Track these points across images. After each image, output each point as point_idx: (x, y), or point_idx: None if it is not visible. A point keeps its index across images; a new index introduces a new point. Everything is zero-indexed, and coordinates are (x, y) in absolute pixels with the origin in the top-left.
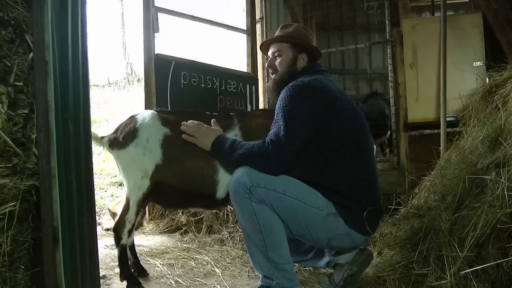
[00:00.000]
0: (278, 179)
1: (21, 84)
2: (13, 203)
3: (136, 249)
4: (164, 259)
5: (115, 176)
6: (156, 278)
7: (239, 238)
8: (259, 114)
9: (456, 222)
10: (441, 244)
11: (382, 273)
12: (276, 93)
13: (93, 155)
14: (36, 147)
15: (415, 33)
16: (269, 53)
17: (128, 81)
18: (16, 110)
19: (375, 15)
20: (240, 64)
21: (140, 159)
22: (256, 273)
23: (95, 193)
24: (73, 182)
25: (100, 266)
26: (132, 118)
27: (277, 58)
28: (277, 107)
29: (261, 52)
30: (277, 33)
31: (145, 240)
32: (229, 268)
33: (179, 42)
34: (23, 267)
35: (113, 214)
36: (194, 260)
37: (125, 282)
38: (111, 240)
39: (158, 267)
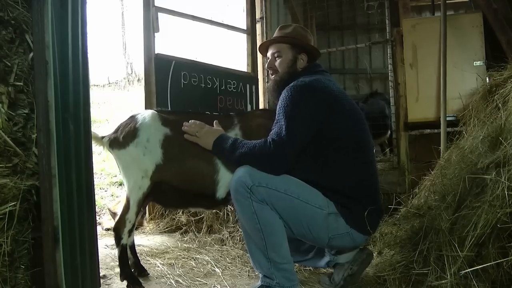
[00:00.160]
0: (279, 178)
1: (21, 84)
2: (13, 203)
3: (136, 249)
4: (164, 259)
5: (115, 176)
6: (156, 278)
7: (239, 238)
8: (259, 114)
9: (456, 222)
10: (441, 243)
11: (382, 272)
12: (276, 93)
13: (93, 155)
14: (36, 147)
15: (415, 33)
16: (269, 54)
17: (128, 81)
18: (16, 110)
19: (375, 15)
20: (240, 64)
21: (140, 159)
22: (256, 273)
23: (95, 193)
24: (73, 182)
25: (100, 266)
26: (132, 118)
27: (277, 59)
28: (278, 107)
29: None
30: (275, 34)
31: (145, 240)
32: (229, 268)
33: (179, 42)
34: (23, 267)
35: (113, 214)
36: (194, 260)
37: (125, 282)
38: (111, 240)
39: (158, 267)
